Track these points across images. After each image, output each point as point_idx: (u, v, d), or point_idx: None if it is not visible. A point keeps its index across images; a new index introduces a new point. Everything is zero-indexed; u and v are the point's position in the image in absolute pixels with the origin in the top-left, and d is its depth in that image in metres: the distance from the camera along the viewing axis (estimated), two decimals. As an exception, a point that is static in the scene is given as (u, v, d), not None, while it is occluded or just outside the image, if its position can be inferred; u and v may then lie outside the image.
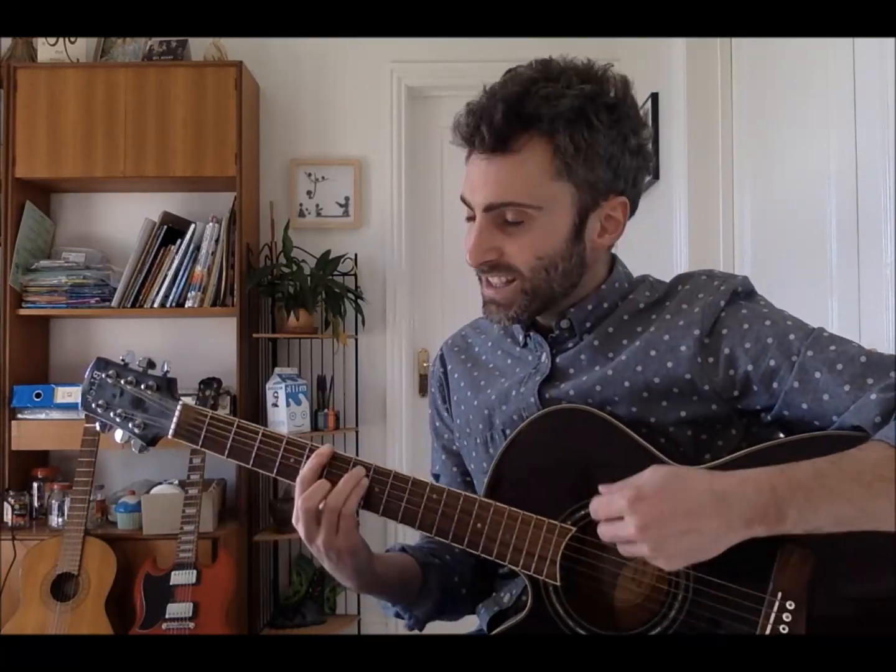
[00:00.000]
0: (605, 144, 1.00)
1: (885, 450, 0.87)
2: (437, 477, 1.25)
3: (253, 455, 1.04)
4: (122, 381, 1.11)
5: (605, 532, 0.89)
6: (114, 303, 3.16)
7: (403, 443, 3.44)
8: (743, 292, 1.05)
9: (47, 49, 3.27)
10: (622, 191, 1.05)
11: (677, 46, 2.60)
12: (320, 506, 0.99)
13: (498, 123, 0.98)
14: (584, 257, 1.06)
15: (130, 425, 1.10)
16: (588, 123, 0.99)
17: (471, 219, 1.05)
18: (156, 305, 3.14)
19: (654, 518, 0.85)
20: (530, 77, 1.00)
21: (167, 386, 1.11)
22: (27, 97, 3.15)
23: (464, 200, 1.05)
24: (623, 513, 0.86)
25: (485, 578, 1.19)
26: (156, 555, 2.87)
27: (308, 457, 1.02)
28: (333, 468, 1.01)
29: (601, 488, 0.91)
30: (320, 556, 1.02)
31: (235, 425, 1.05)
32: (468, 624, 1.21)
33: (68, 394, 3.10)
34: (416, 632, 1.15)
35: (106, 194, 3.45)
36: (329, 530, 0.99)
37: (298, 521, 1.00)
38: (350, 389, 3.43)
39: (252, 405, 3.27)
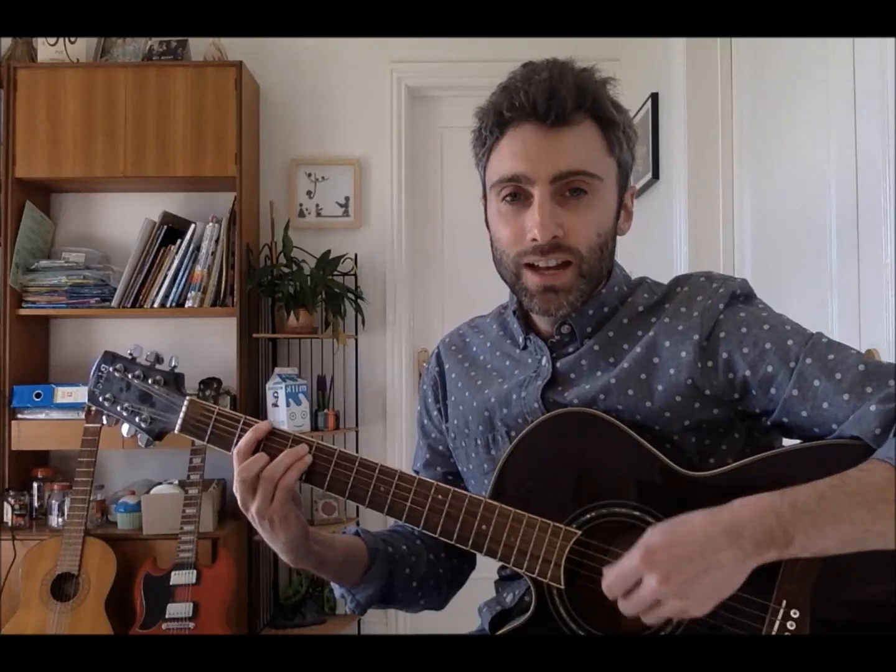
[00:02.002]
0: (630, 128, 1.06)
1: (887, 471, 0.87)
2: (417, 473, 1.24)
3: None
4: (130, 376, 1.11)
5: (628, 606, 0.87)
6: (114, 303, 3.16)
7: (403, 443, 3.44)
8: (742, 295, 1.05)
9: (47, 49, 3.27)
10: (631, 182, 1.10)
11: (677, 46, 2.60)
12: (257, 476, 1.01)
13: (570, 94, 0.99)
14: (614, 244, 1.09)
15: (137, 419, 1.10)
16: (619, 107, 1.05)
17: (516, 196, 1.03)
18: (156, 305, 3.14)
19: (671, 566, 0.84)
20: (563, 63, 1.03)
21: (174, 381, 1.11)
22: (27, 97, 3.15)
23: (513, 178, 1.02)
24: (639, 574, 0.85)
25: (442, 578, 1.19)
26: (156, 555, 2.87)
27: (315, 452, 1.03)
28: (271, 442, 1.04)
29: (605, 569, 0.89)
30: (255, 524, 1.05)
31: (242, 421, 1.06)
32: (468, 624, 1.21)
33: (68, 394, 3.10)
34: (357, 615, 1.16)
35: (106, 194, 3.45)
36: (263, 499, 1.01)
37: (236, 490, 1.03)
38: (350, 389, 3.43)
39: (252, 405, 3.27)
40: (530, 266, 1.03)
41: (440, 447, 1.23)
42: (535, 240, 1.00)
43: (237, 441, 1.04)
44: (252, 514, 1.03)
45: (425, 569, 1.17)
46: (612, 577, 0.88)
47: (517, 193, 1.02)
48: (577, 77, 1.01)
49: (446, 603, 1.22)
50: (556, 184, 1.00)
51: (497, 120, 1.02)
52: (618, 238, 1.11)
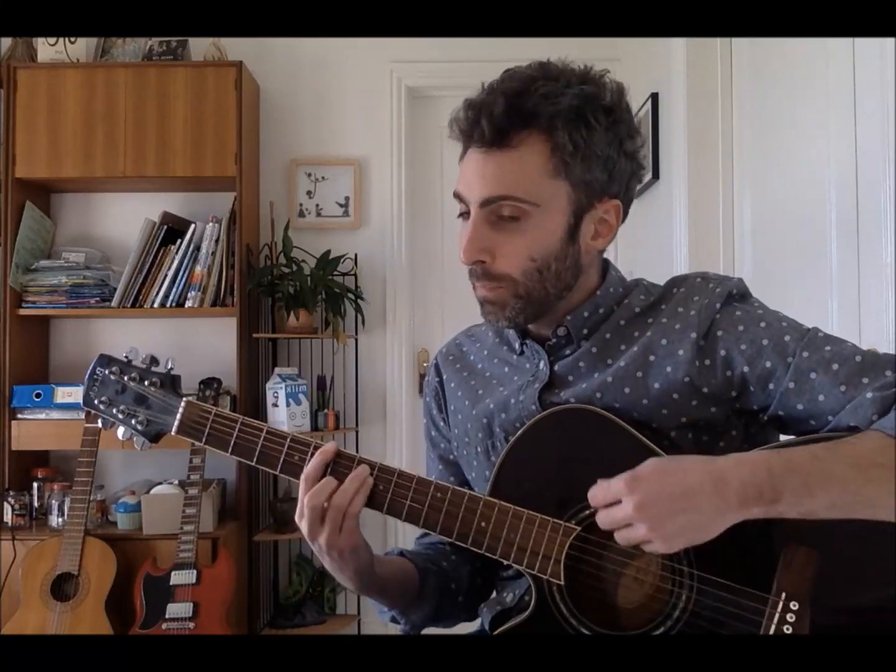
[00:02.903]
0: (601, 145, 1.01)
1: (882, 438, 0.88)
2: None
3: (257, 452, 1.04)
4: (126, 378, 1.11)
5: (603, 518, 0.90)
6: (114, 303, 3.16)
7: (403, 443, 3.44)
8: (738, 294, 1.05)
9: (47, 49, 3.27)
10: (616, 194, 1.05)
11: (677, 46, 2.60)
12: (325, 504, 0.98)
13: (498, 118, 0.98)
14: (579, 259, 1.05)
15: (133, 422, 1.10)
16: (586, 123, 1.00)
17: (464, 215, 1.05)
18: (156, 305, 3.14)
19: (651, 496, 0.87)
20: (530, 75, 1.00)
21: (171, 382, 1.10)
22: (27, 97, 3.15)
23: (458, 196, 1.04)
24: (620, 494, 0.88)
25: (481, 587, 1.19)
26: (156, 555, 2.87)
27: (313, 454, 1.02)
28: (338, 466, 1.01)
29: (600, 481, 0.92)
30: (321, 555, 1.02)
31: (239, 422, 1.05)
32: (468, 624, 1.21)
33: (68, 394, 3.10)
34: (386, 623, 1.16)
35: (106, 194, 3.45)
36: (333, 529, 0.99)
37: (302, 518, 1.00)
38: (350, 389, 3.43)
39: (252, 405, 3.27)
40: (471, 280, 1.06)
41: (451, 457, 1.23)
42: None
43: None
44: (320, 544, 1.00)
45: (467, 582, 1.17)
46: (598, 489, 0.91)
47: (464, 211, 1.04)
48: (518, 100, 0.98)
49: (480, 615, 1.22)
50: (485, 208, 1.01)
51: (457, 137, 1.04)
52: (616, 238, 1.10)
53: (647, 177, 2.86)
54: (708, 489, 0.86)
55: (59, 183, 3.31)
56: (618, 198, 1.05)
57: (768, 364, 0.98)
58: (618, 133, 1.02)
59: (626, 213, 1.09)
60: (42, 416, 3.11)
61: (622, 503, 0.88)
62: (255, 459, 1.04)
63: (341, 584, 1.07)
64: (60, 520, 2.97)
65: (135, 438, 1.10)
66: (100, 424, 1.13)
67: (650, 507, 0.87)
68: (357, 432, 3.41)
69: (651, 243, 2.81)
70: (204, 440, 1.06)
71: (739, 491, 0.86)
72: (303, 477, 1.00)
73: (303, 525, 1.00)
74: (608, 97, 1.02)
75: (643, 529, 0.87)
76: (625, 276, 1.14)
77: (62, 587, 2.72)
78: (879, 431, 0.89)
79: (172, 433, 1.08)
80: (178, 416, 1.07)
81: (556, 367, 1.09)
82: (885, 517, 0.86)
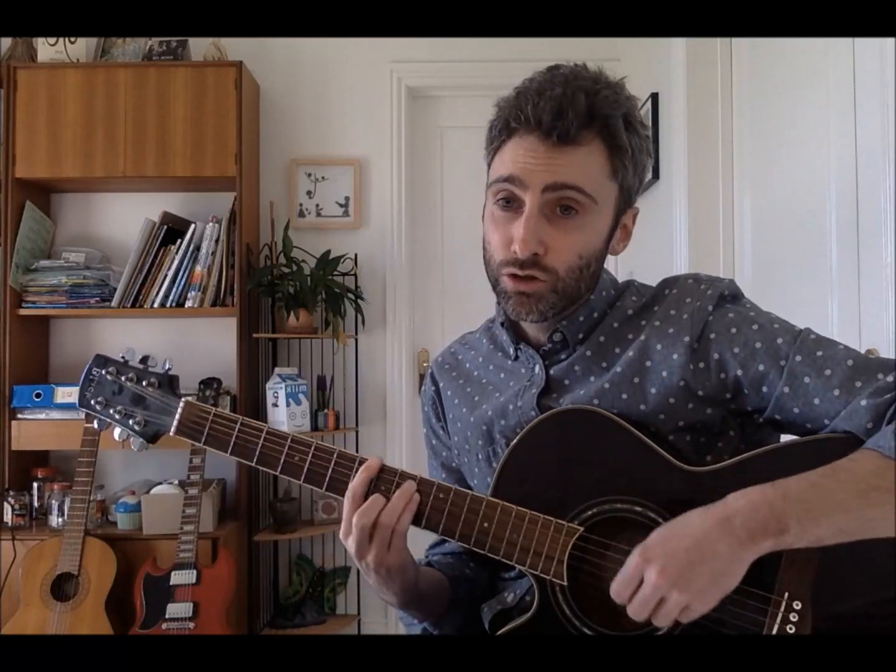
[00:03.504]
0: (643, 153, 1.04)
1: (878, 459, 0.88)
2: None
3: (257, 453, 1.03)
4: (123, 378, 1.10)
5: (636, 608, 0.87)
6: (114, 303, 3.16)
7: (403, 443, 3.44)
8: (730, 296, 1.05)
9: (47, 49, 3.27)
10: (634, 201, 1.09)
11: (677, 46, 2.60)
12: (374, 522, 0.97)
13: (577, 117, 0.98)
14: (603, 262, 1.08)
15: (130, 422, 1.09)
16: (636, 130, 1.03)
17: (503, 202, 1.02)
18: (156, 305, 3.14)
19: (667, 557, 0.85)
20: (593, 76, 1.01)
21: (168, 383, 1.09)
22: (27, 97, 3.15)
23: (509, 179, 1.01)
24: (639, 571, 0.87)
25: (492, 589, 1.18)
26: (156, 555, 2.87)
27: (313, 454, 1.02)
28: (381, 482, 0.99)
29: (613, 584, 0.90)
30: (368, 573, 1.01)
31: (239, 423, 1.05)
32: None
33: (68, 394, 3.10)
34: (386, 623, 1.15)
35: (106, 194, 3.45)
36: (381, 547, 0.97)
37: (349, 536, 0.98)
38: (350, 389, 3.43)
39: (252, 405, 3.27)
40: (509, 275, 1.03)
41: (453, 464, 1.23)
42: (516, 252, 1.00)
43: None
44: (368, 562, 0.98)
45: (488, 588, 1.17)
46: (618, 581, 0.89)
47: (510, 199, 1.02)
48: (592, 98, 0.99)
49: None
50: (547, 194, 0.99)
51: (504, 125, 1.02)
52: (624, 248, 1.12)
53: (648, 177, 2.85)
54: (717, 533, 0.85)
55: (59, 183, 3.31)
56: (634, 205, 1.09)
57: (761, 367, 0.98)
58: (647, 143, 1.06)
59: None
60: (42, 416, 3.12)
61: (644, 579, 0.86)
62: (255, 460, 1.04)
63: (384, 600, 1.06)
64: (60, 520, 2.97)
65: (132, 440, 1.09)
66: (95, 425, 1.12)
67: (671, 568, 0.85)
68: (357, 432, 3.41)
69: (651, 243, 2.81)
70: (203, 441, 1.05)
71: (746, 526, 0.85)
72: (348, 495, 0.98)
73: (349, 543, 0.98)
74: (640, 109, 1.05)
75: (675, 595, 0.85)
76: (616, 278, 1.15)
77: (62, 587, 2.72)
78: (876, 451, 0.88)
79: (171, 434, 1.07)
80: (177, 416, 1.07)
81: (551, 372, 1.09)
82: (891, 535, 0.86)
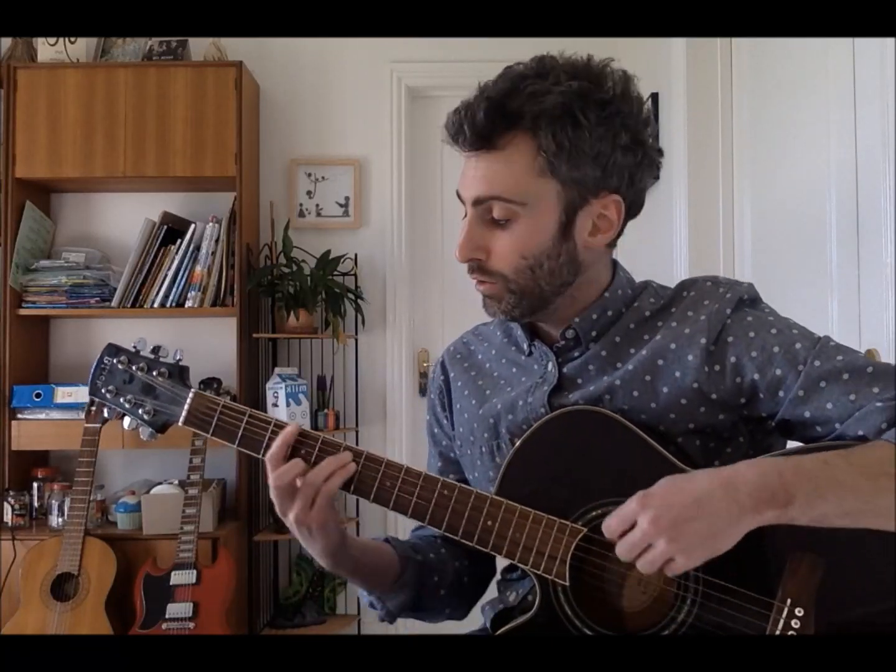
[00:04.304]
0: (591, 142, 0.99)
1: (892, 448, 0.88)
2: None
3: (264, 445, 1.04)
4: (134, 367, 1.11)
5: (623, 548, 0.88)
6: (114, 303, 3.16)
7: (403, 443, 3.44)
8: (748, 300, 1.04)
9: (47, 49, 3.26)
10: (616, 188, 1.03)
11: (677, 46, 2.60)
12: (298, 482, 1.00)
13: (480, 122, 0.99)
14: (577, 256, 1.05)
15: (140, 411, 1.09)
16: (574, 121, 0.98)
17: (465, 213, 1.06)
18: (156, 305, 3.14)
19: (663, 508, 0.86)
20: (519, 74, 1.00)
21: (179, 373, 1.10)
22: (27, 97, 3.14)
23: (458, 196, 1.07)
24: (634, 514, 0.87)
25: (468, 586, 1.19)
26: (156, 555, 2.87)
27: (319, 449, 1.03)
28: (301, 446, 1.03)
29: (607, 519, 0.91)
30: (293, 530, 1.04)
31: (247, 415, 1.05)
32: (469, 624, 1.21)
33: (68, 394, 3.10)
34: (387, 623, 1.16)
35: (106, 194, 3.45)
36: (304, 505, 1.00)
37: (273, 496, 1.03)
38: (350, 389, 3.43)
39: (252, 405, 3.21)
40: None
41: (451, 454, 1.23)
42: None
43: (266, 446, 1.03)
44: (290, 520, 1.02)
45: (452, 577, 1.17)
46: (611, 519, 0.90)
47: (465, 211, 1.06)
48: (503, 100, 0.98)
49: (468, 612, 1.21)
50: (477, 207, 1.03)
51: (448, 141, 1.05)
52: (612, 238, 1.08)
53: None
54: (720, 494, 0.85)
55: (59, 183, 3.31)
56: (618, 192, 1.03)
57: (778, 372, 0.97)
58: (612, 126, 0.99)
59: (636, 206, 1.07)
60: (42, 416, 3.11)
61: (637, 523, 0.87)
62: (262, 452, 1.04)
63: (317, 560, 1.08)
64: (60, 520, 2.96)
65: (140, 429, 1.10)
66: (106, 414, 1.13)
67: (664, 519, 0.85)
68: (357, 432, 3.41)
69: (651, 243, 2.81)
70: (211, 432, 1.06)
71: (751, 494, 0.85)
72: (267, 458, 1.02)
73: (275, 502, 1.03)
74: (607, 89, 1.00)
75: (662, 544, 0.85)
76: (633, 278, 1.14)
77: (62, 587, 2.71)
78: (889, 442, 0.88)
79: (180, 424, 1.08)
80: (186, 406, 1.07)
81: (564, 369, 1.08)
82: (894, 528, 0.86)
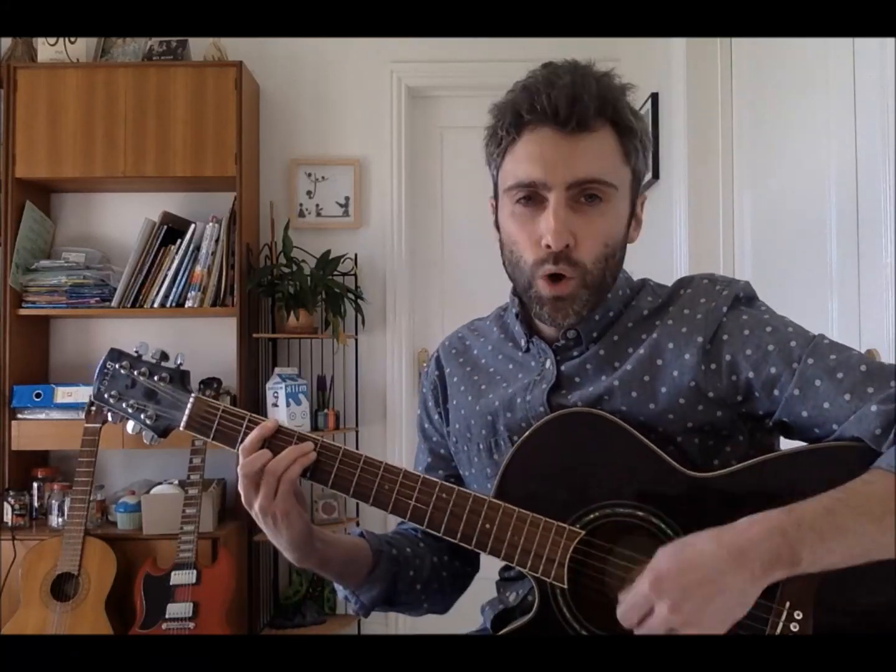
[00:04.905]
0: (646, 137, 1.05)
1: (890, 481, 0.87)
2: None
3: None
4: (136, 373, 1.11)
5: (641, 632, 0.87)
6: (114, 303, 3.16)
7: (403, 443, 3.44)
8: (744, 298, 1.05)
9: (47, 49, 3.27)
10: (643, 188, 1.09)
11: (677, 46, 2.60)
12: (260, 471, 1.01)
13: (592, 101, 0.98)
14: (624, 253, 1.08)
15: (142, 416, 1.10)
16: (637, 116, 1.04)
17: (525, 200, 1.02)
18: (156, 305, 3.14)
19: (680, 594, 0.84)
20: (591, 65, 1.03)
21: (180, 378, 1.11)
22: (27, 97, 3.15)
23: (529, 184, 1.01)
24: (650, 602, 0.85)
25: (447, 581, 1.18)
26: (156, 555, 2.87)
27: (319, 450, 1.03)
28: (276, 440, 1.04)
29: (620, 596, 0.89)
30: (258, 521, 1.04)
31: (247, 419, 1.06)
32: (469, 624, 1.21)
33: (68, 394, 3.10)
34: (362, 617, 1.16)
35: (106, 194, 3.45)
36: (267, 494, 1.01)
37: (240, 486, 1.03)
38: (350, 389, 3.43)
39: (252, 405, 3.26)
40: (545, 277, 1.02)
41: (441, 450, 1.22)
42: (548, 246, 1.00)
43: (242, 438, 1.04)
44: (255, 510, 1.03)
45: (429, 572, 1.17)
46: (626, 607, 0.88)
47: (531, 196, 1.02)
48: (600, 83, 1.00)
49: (450, 607, 1.21)
50: (571, 190, 1.00)
51: (515, 121, 1.01)
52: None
53: (648, 177, 2.86)
54: (729, 567, 0.84)
55: (59, 183, 3.31)
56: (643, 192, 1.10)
57: (773, 370, 0.98)
58: (648, 129, 1.07)
59: None
60: (42, 416, 3.11)
61: (655, 611, 0.85)
62: None
63: (282, 553, 1.08)
64: (60, 520, 2.96)
65: (143, 433, 1.11)
66: (109, 418, 1.14)
67: (684, 607, 0.84)
68: (357, 432, 3.41)
69: (651, 243, 2.81)
70: (212, 436, 1.07)
71: (760, 558, 0.84)
72: (239, 449, 1.03)
73: (241, 492, 1.03)
74: (640, 109, 1.07)
75: (685, 629, 0.84)
76: (631, 276, 1.14)
77: (62, 587, 2.71)
78: (887, 472, 0.87)
79: (181, 429, 1.09)
80: (187, 411, 1.08)
81: (562, 368, 1.08)
82: None
